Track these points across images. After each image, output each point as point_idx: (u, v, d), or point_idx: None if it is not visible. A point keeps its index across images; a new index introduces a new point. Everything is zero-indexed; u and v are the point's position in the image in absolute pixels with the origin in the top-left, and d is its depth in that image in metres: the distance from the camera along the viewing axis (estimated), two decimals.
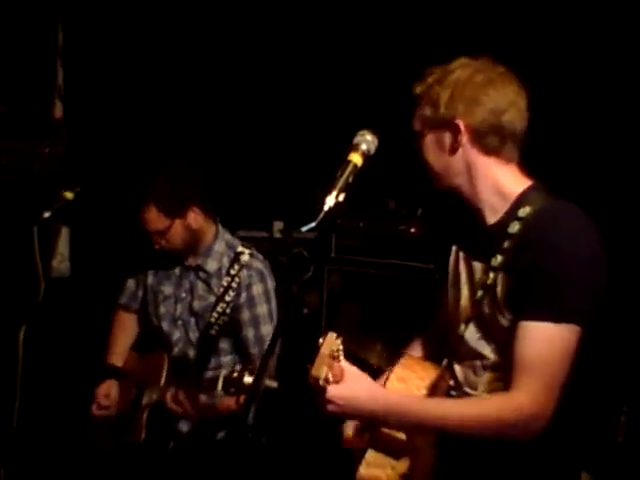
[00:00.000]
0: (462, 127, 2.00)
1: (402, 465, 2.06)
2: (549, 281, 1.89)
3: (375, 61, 4.07)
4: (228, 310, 2.99)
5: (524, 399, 1.90)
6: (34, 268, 3.12)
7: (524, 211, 1.97)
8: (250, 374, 2.59)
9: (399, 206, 4.10)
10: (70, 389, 3.75)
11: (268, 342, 2.92)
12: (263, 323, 3.00)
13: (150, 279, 3.17)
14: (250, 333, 3.00)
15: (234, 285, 2.99)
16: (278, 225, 4.32)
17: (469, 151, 2.03)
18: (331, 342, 1.86)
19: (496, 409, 1.93)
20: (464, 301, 2.12)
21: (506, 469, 2.03)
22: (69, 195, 3.02)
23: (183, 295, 3.09)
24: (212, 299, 3.02)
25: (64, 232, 4.17)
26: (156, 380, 3.01)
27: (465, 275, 2.13)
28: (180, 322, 3.08)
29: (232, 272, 3.00)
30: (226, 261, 3.03)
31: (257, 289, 3.00)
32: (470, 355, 2.09)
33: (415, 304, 3.86)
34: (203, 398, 2.83)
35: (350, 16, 4.15)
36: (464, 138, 2.01)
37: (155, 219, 2.90)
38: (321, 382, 1.83)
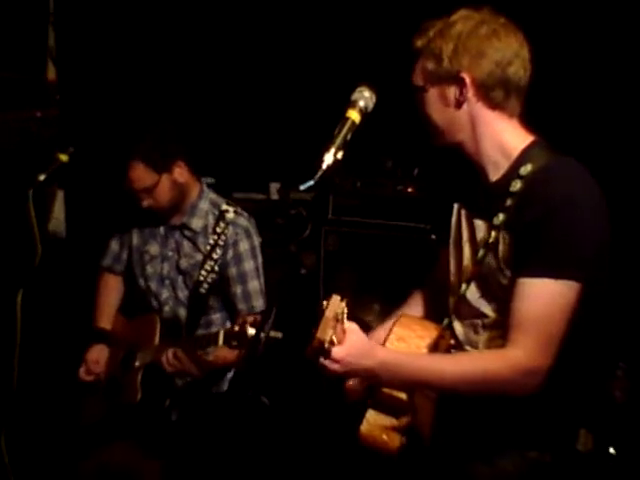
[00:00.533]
0: (468, 80, 1.97)
1: (402, 423, 2.07)
2: (550, 238, 1.88)
3: (372, 16, 4.02)
4: (216, 268, 3.01)
5: (520, 355, 1.90)
6: (30, 231, 3.12)
7: (525, 169, 1.96)
8: (252, 326, 2.59)
9: (396, 165, 4.08)
10: (68, 351, 3.76)
11: (256, 297, 2.98)
12: (250, 279, 3.03)
13: (135, 240, 3.17)
14: (238, 289, 3.03)
15: (221, 243, 3.01)
16: (275, 187, 4.31)
17: (474, 105, 2.00)
18: (335, 305, 1.86)
19: (492, 365, 1.94)
20: (466, 260, 2.11)
21: (504, 426, 2.04)
22: (63, 157, 3.01)
23: (170, 254, 3.09)
24: (199, 257, 3.03)
25: (59, 195, 4.15)
26: (149, 341, 3.02)
27: (467, 234, 2.12)
28: (168, 281, 3.10)
29: (218, 230, 3.02)
30: (211, 219, 3.05)
31: (243, 246, 3.03)
32: (471, 314, 2.09)
33: (413, 264, 3.85)
34: (201, 354, 2.84)
35: None
36: (470, 92, 1.98)
37: (142, 176, 2.90)
38: (326, 345, 1.83)
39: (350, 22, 4.08)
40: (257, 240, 3.08)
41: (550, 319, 1.90)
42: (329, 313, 1.84)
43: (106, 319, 3.25)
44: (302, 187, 1.91)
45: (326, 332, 1.82)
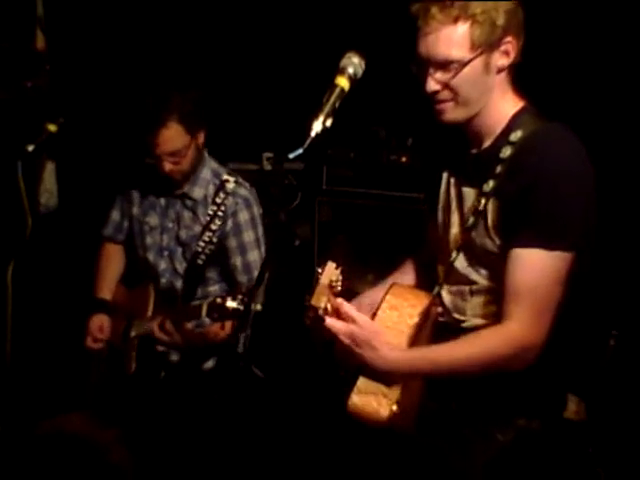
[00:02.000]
0: (516, 46, 1.97)
1: (393, 392, 2.07)
2: (540, 208, 1.88)
3: None
4: (215, 239, 2.97)
5: (516, 328, 1.91)
6: (20, 203, 3.10)
7: (515, 135, 1.96)
8: (233, 299, 2.58)
9: (389, 135, 4.06)
10: (60, 324, 3.75)
11: (256, 268, 2.94)
12: (250, 250, 3.00)
13: (135, 210, 3.14)
14: (238, 261, 3.00)
15: (220, 213, 2.97)
16: (268, 156, 4.28)
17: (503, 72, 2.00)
18: (330, 272, 1.87)
19: (492, 344, 1.95)
20: (454, 228, 2.11)
21: (492, 395, 2.05)
22: (52, 127, 2.98)
23: (170, 225, 3.06)
24: (198, 228, 3.00)
25: (50, 167, 4.12)
26: (144, 312, 3.02)
27: (455, 202, 2.12)
28: (166, 252, 3.07)
29: (218, 200, 2.98)
30: (211, 189, 3.01)
31: (243, 216, 2.99)
32: (459, 281, 2.10)
33: (407, 234, 3.85)
34: (190, 326, 2.84)
35: None
36: (511, 58, 1.98)
37: (176, 137, 2.83)
38: (320, 312, 1.83)
39: None
40: (257, 210, 3.04)
41: (544, 290, 1.91)
42: (324, 280, 1.85)
43: (107, 289, 3.23)
44: (291, 155, 1.90)
45: (320, 299, 1.84)
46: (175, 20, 4.33)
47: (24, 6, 4.18)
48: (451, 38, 1.93)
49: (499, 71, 1.99)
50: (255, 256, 3.00)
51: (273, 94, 4.29)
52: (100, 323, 3.14)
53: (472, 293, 2.07)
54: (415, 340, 2.08)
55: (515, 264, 1.91)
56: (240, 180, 3.05)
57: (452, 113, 2.01)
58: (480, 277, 2.05)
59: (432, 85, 1.98)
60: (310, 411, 3.29)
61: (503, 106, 2.02)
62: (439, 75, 1.97)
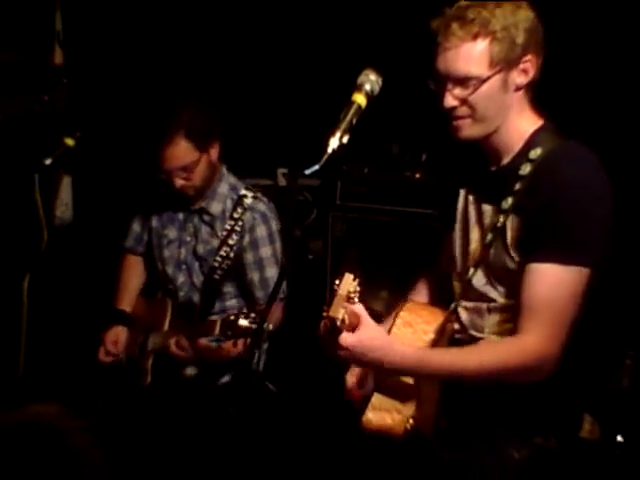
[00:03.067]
0: (535, 64, 1.97)
1: (408, 408, 2.07)
2: (559, 224, 1.88)
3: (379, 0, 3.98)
4: (232, 254, 2.97)
5: (532, 342, 1.91)
6: (36, 216, 3.12)
7: (535, 153, 1.96)
8: (245, 318, 2.59)
9: (403, 151, 4.06)
10: (75, 337, 3.76)
11: (273, 284, 2.96)
12: (268, 265, 2.99)
13: (154, 222, 3.14)
14: (255, 276, 2.99)
15: (237, 228, 2.96)
16: (282, 172, 4.29)
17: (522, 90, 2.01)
18: (348, 283, 1.86)
19: (507, 355, 1.94)
20: (473, 245, 2.11)
21: (509, 412, 2.04)
22: (70, 141, 3.00)
23: (187, 239, 3.06)
24: (216, 243, 2.99)
25: (66, 181, 4.14)
26: (161, 325, 3.02)
27: (474, 219, 2.12)
28: (184, 266, 3.07)
29: (235, 215, 2.97)
30: (229, 204, 3.00)
31: (261, 231, 2.98)
32: (476, 298, 2.09)
33: (420, 250, 3.84)
34: (204, 342, 2.83)
35: None
36: (530, 76, 1.98)
37: (184, 153, 2.82)
38: (338, 323, 1.82)
39: (357, 6, 4.04)
40: (275, 226, 3.01)
41: (560, 305, 1.90)
42: (342, 291, 1.84)
43: (127, 301, 3.22)
44: (307, 172, 1.90)
45: (338, 310, 1.82)
46: (192, 36, 4.35)
47: (42, 20, 4.22)
48: (470, 54, 1.93)
49: (517, 89, 1.99)
50: (273, 272, 2.96)
51: (288, 110, 4.30)
52: (115, 337, 3.14)
53: (490, 310, 2.06)
54: None
55: (532, 278, 1.91)
56: (259, 195, 3.04)
57: (469, 130, 2.01)
58: (498, 295, 2.05)
59: (450, 101, 1.98)
60: (323, 425, 3.29)
61: (521, 124, 2.02)
62: (457, 91, 1.97)
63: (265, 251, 2.98)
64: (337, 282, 1.86)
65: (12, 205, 3.75)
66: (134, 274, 3.27)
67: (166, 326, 3.02)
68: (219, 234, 2.99)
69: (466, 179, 2.18)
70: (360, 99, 1.94)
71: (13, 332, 3.16)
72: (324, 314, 1.85)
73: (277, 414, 3.17)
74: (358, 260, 4.08)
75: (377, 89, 1.96)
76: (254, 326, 2.58)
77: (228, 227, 2.97)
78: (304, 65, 4.22)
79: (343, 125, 1.90)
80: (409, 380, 2.10)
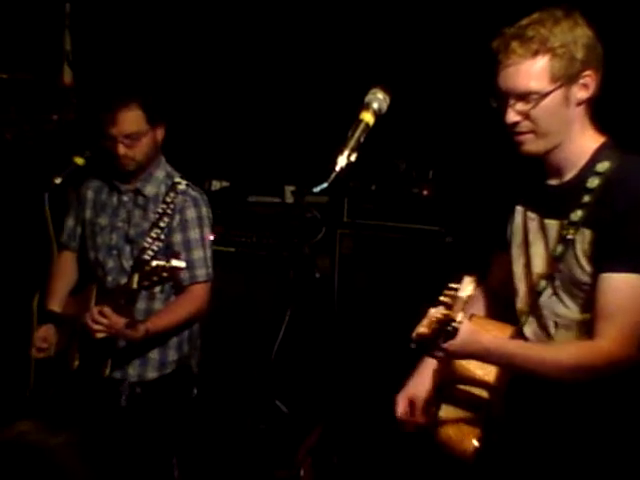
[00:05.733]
0: (595, 79, 2.00)
1: (475, 417, 2.10)
2: (632, 233, 1.93)
3: (387, 19, 4.01)
4: (162, 235, 2.99)
5: (605, 346, 1.96)
6: (47, 235, 3.14)
7: (602, 166, 2.00)
8: (152, 259, 2.73)
9: (410, 168, 4.07)
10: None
11: (199, 267, 3.01)
12: (195, 248, 3.02)
13: (88, 213, 3.16)
14: (182, 257, 2.96)
15: (169, 211, 3.00)
16: (290, 190, 4.31)
17: (583, 105, 2.04)
18: (467, 287, 1.88)
19: (578, 354, 1.99)
20: (537, 260, 2.12)
21: (571, 417, 2.07)
22: (79, 161, 3.02)
23: (119, 224, 3.08)
24: (147, 225, 3.03)
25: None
26: (86, 310, 2.96)
27: (538, 234, 2.13)
28: (115, 251, 3.08)
29: (168, 199, 3.01)
30: (163, 188, 3.05)
31: (190, 213, 3.02)
32: (542, 313, 2.12)
33: (428, 267, 3.85)
34: (130, 306, 2.87)
35: None
36: (590, 91, 2.01)
37: (135, 119, 2.92)
38: (456, 325, 1.83)
39: (365, 24, 4.08)
40: (205, 211, 3.07)
41: (634, 311, 1.95)
42: (463, 294, 1.85)
43: (56, 301, 3.21)
44: (316, 189, 1.91)
45: (458, 313, 1.83)
46: (199, 55, 4.39)
47: (52, 41, 4.27)
48: (531, 71, 1.97)
49: (578, 104, 2.02)
50: (199, 254, 3.03)
51: (296, 127, 4.32)
52: (45, 333, 3.14)
53: (557, 325, 2.10)
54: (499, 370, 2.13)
55: (606, 287, 1.96)
56: (192, 184, 3.10)
57: (532, 144, 2.04)
58: (566, 309, 2.07)
59: (512, 116, 2.01)
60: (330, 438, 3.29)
61: (584, 139, 2.06)
62: (519, 106, 2.00)
63: (194, 233, 3.02)
64: (456, 285, 1.88)
65: (22, 224, 3.78)
66: (65, 273, 3.26)
67: (92, 306, 2.98)
68: (151, 217, 3.03)
69: (523, 196, 2.19)
70: (368, 117, 1.96)
71: (23, 349, 3.17)
72: (438, 315, 1.85)
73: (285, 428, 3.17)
74: (366, 277, 4.09)
75: (385, 108, 1.98)
76: (166, 264, 2.71)
77: (160, 210, 3.01)
78: (313, 83, 4.25)
79: (351, 143, 1.92)
80: (476, 390, 2.15)
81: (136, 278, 2.77)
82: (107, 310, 2.79)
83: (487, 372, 2.16)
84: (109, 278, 3.07)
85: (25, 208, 3.64)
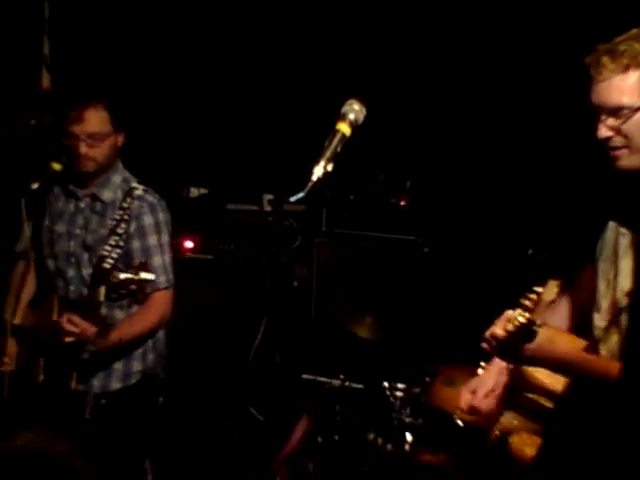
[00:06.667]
0: None
1: (538, 426, 2.12)
2: None
3: (364, 29, 4.03)
4: (121, 242, 2.96)
5: None
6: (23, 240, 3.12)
7: None
8: (120, 271, 2.70)
9: (388, 178, 4.10)
10: None
11: (158, 274, 2.96)
12: (154, 254, 3.01)
13: (46, 221, 3.13)
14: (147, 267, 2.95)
15: (126, 217, 2.99)
16: (268, 198, 4.32)
17: None
18: (550, 291, 1.87)
19: None
20: (624, 277, 2.09)
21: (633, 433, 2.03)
22: (57, 166, 3.00)
23: (77, 232, 3.06)
24: (105, 232, 3.00)
25: None
26: (49, 321, 2.95)
27: (629, 250, 2.10)
28: (73, 259, 3.05)
29: (125, 205, 3.00)
30: (120, 194, 3.04)
31: (147, 219, 3.01)
32: (621, 331, 2.08)
33: (405, 277, 3.87)
34: (96, 320, 2.81)
35: None
36: None
37: (100, 120, 2.94)
38: (536, 328, 1.84)
39: (342, 35, 4.10)
40: (163, 216, 3.05)
41: None
42: (546, 297, 1.85)
43: (16, 312, 3.15)
44: (292, 199, 1.91)
45: (539, 315, 1.85)
46: (179, 62, 4.39)
47: (30, 45, 4.25)
48: (622, 86, 1.96)
49: None
50: (158, 260, 3.01)
51: (274, 136, 4.33)
52: (3, 345, 3.08)
53: None
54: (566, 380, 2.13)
55: None
56: (150, 190, 3.09)
57: (627, 160, 2.02)
58: None
59: (604, 131, 2.00)
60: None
61: None
62: (611, 121, 1.99)
63: (152, 239, 3.01)
64: (539, 289, 1.87)
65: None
66: (24, 283, 3.19)
67: (55, 317, 2.94)
68: (108, 223, 3.01)
69: (617, 211, 2.17)
70: (344, 128, 1.95)
71: None
72: (517, 316, 1.84)
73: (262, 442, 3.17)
74: (343, 286, 4.10)
75: (361, 118, 1.98)
76: (134, 276, 2.70)
77: (117, 216, 2.99)
78: (291, 94, 4.27)
79: (327, 153, 1.92)
80: (542, 400, 2.16)
81: (103, 290, 2.72)
82: (76, 318, 2.76)
83: (555, 381, 2.15)
84: (71, 287, 3.04)
85: (2, 213, 3.61)
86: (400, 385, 3.22)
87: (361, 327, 3.70)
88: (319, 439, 3.24)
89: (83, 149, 2.93)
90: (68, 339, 2.79)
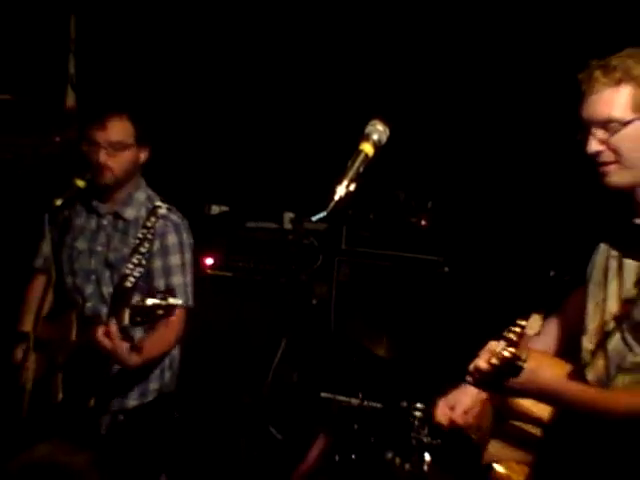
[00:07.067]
0: None
1: (526, 455, 2.09)
2: None
3: (389, 51, 4.06)
4: (143, 261, 2.95)
5: None
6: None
7: None
8: (151, 297, 2.63)
9: (409, 198, 4.10)
10: None
11: (178, 294, 2.85)
12: (175, 273, 2.99)
13: (66, 238, 3.11)
14: (161, 283, 2.97)
15: (149, 236, 2.96)
16: (289, 216, 4.33)
17: None
18: (534, 324, 1.87)
19: (633, 403, 1.94)
20: (612, 300, 2.06)
21: (622, 463, 2.01)
22: (80, 183, 3.03)
23: (99, 249, 3.05)
24: (127, 250, 2.99)
25: None
26: (67, 338, 2.95)
27: (615, 274, 2.06)
28: (93, 277, 3.04)
29: (148, 224, 2.98)
30: (144, 212, 3.02)
31: (171, 239, 2.99)
32: (609, 355, 2.04)
33: (424, 297, 3.86)
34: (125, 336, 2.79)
35: (360, 3, 4.15)
36: None
37: (123, 129, 2.93)
38: (521, 363, 1.82)
39: (366, 56, 4.12)
40: (187, 237, 3.04)
41: None
42: (530, 331, 1.84)
43: (31, 322, 3.13)
44: (314, 218, 1.92)
45: (524, 351, 1.82)
46: (202, 80, 4.43)
47: (56, 64, 4.30)
48: (612, 98, 1.94)
49: None
50: (179, 281, 2.98)
51: (296, 155, 4.35)
52: (25, 359, 3.06)
53: (620, 369, 2.02)
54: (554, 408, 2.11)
55: None
56: (173, 209, 3.07)
57: (616, 176, 1.98)
58: (631, 353, 2.00)
59: (593, 145, 1.97)
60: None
61: None
62: (600, 134, 1.96)
63: (174, 259, 2.99)
64: (523, 322, 1.84)
65: (23, 244, 3.78)
66: (40, 296, 3.14)
67: (73, 337, 2.94)
68: (131, 241, 2.99)
69: (608, 233, 2.13)
70: (368, 148, 1.97)
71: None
72: (502, 352, 1.83)
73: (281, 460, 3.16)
74: (362, 305, 4.10)
75: (384, 139, 1.99)
76: (162, 302, 2.63)
77: (140, 235, 2.97)
78: (315, 114, 4.29)
79: (350, 173, 1.93)
80: (531, 428, 2.13)
81: (127, 314, 2.68)
82: (114, 330, 2.70)
83: (541, 408, 2.12)
84: (88, 304, 3.04)
85: (26, 228, 3.65)
86: (419, 405, 3.21)
87: (380, 346, 3.70)
88: (336, 458, 3.23)
89: (102, 157, 2.91)
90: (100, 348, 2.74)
